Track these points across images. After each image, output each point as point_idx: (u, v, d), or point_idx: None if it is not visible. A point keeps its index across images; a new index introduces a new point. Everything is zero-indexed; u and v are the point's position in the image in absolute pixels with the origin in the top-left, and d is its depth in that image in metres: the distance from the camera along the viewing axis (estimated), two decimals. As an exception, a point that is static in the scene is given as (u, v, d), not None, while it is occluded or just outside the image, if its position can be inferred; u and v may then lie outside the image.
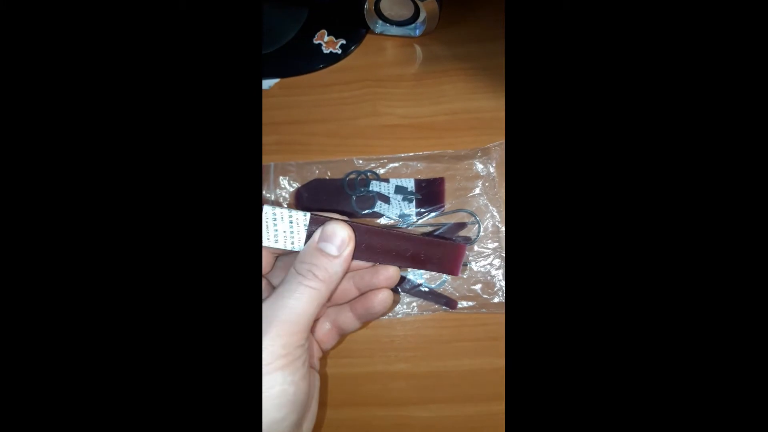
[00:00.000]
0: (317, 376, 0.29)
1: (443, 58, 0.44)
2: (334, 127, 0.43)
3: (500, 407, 0.36)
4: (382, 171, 0.41)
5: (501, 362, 0.37)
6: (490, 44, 0.44)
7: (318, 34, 0.45)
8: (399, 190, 0.40)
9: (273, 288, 0.27)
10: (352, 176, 0.41)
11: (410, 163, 0.41)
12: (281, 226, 0.24)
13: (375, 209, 0.40)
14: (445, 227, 0.39)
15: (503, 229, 0.39)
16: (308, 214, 0.24)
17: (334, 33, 0.45)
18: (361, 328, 0.31)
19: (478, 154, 0.40)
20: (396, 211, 0.40)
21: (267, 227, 0.24)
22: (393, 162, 0.41)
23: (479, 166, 0.40)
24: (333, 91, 0.44)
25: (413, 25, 0.43)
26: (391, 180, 0.41)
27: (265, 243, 0.24)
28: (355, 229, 0.25)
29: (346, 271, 0.26)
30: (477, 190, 0.40)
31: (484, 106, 0.42)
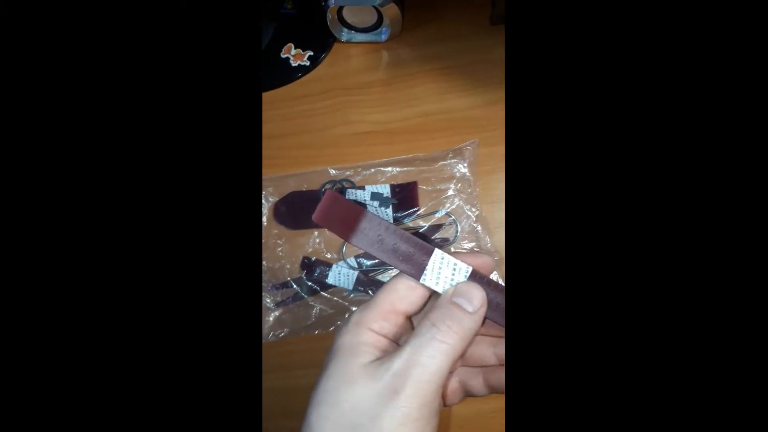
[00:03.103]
0: None
1: (412, 61, 0.44)
2: (307, 138, 0.43)
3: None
4: (357, 179, 0.41)
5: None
6: (455, 42, 0.44)
7: (285, 47, 0.45)
8: (375, 196, 0.41)
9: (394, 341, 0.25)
10: (328, 186, 0.41)
11: (384, 168, 0.41)
12: (444, 272, 0.24)
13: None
14: (422, 229, 0.39)
15: (479, 228, 0.39)
16: (470, 268, 0.24)
17: (301, 45, 0.45)
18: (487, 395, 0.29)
19: (450, 156, 0.40)
20: (373, 218, 0.40)
21: (432, 269, 0.24)
22: (367, 169, 0.41)
23: (452, 167, 0.40)
24: (304, 103, 0.44)
25: (378, 30, 0.44)
26: (366, 187, 0.41)
27: (426, 282, 0.24)
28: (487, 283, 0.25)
29: (478, 332, 0.25)
30: (451, 191, 0.40)
31: (456, 106, 0.42)
